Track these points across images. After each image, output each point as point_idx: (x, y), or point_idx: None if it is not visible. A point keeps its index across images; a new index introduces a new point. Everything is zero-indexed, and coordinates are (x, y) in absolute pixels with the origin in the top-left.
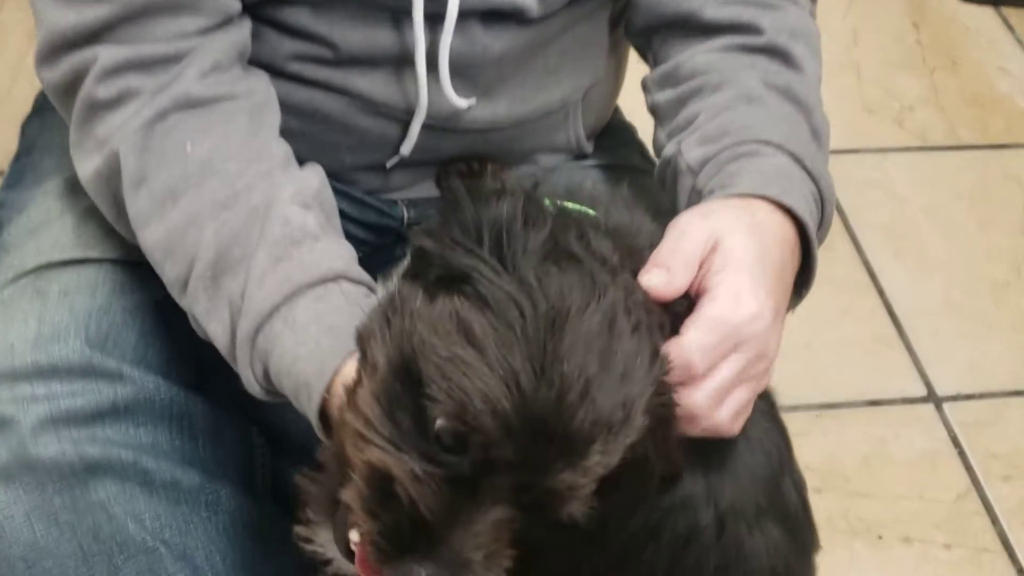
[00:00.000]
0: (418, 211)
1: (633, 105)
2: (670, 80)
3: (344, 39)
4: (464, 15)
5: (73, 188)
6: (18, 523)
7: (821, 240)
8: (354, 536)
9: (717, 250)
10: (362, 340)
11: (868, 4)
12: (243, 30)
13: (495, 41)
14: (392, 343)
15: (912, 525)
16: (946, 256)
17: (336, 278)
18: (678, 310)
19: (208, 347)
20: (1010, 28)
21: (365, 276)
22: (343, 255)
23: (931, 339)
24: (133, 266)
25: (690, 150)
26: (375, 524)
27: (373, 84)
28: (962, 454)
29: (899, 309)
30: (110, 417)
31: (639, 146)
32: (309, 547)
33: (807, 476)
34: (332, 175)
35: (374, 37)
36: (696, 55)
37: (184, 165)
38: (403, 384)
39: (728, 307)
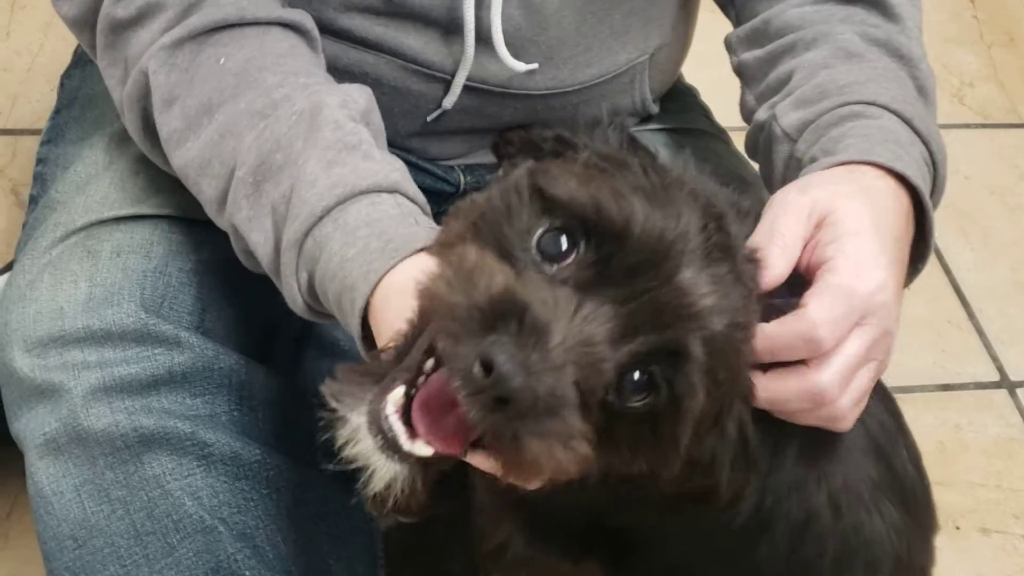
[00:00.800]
0: (475, 177)
1: (691, 67)
2: (758, 37)
3: None
4: None
5: (121, 140)
6: (67, 499)
7: (935, 206)
8: (396, 395)
9: (827, 222)
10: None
11: None
12: None
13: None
14: (497, 189)
15: (989, 515)
16: (1012, 235)
17: (392, 190)
18: (780, 306)
19: (270, 311)
20: None
21: (420, 196)
22: (400, 169)
23: (1001, 321)
24: (190, 223)
25: (785, 114)
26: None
27: (425, 43)
28: None
29: (967, 290)
30: (166, 386)
31: (703, 109)
32: (336, 434)
33: None
34: (388, 141)
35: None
36: (787, 9)
37: (219, 78)
38: (506, 209)
39: (852, 275)
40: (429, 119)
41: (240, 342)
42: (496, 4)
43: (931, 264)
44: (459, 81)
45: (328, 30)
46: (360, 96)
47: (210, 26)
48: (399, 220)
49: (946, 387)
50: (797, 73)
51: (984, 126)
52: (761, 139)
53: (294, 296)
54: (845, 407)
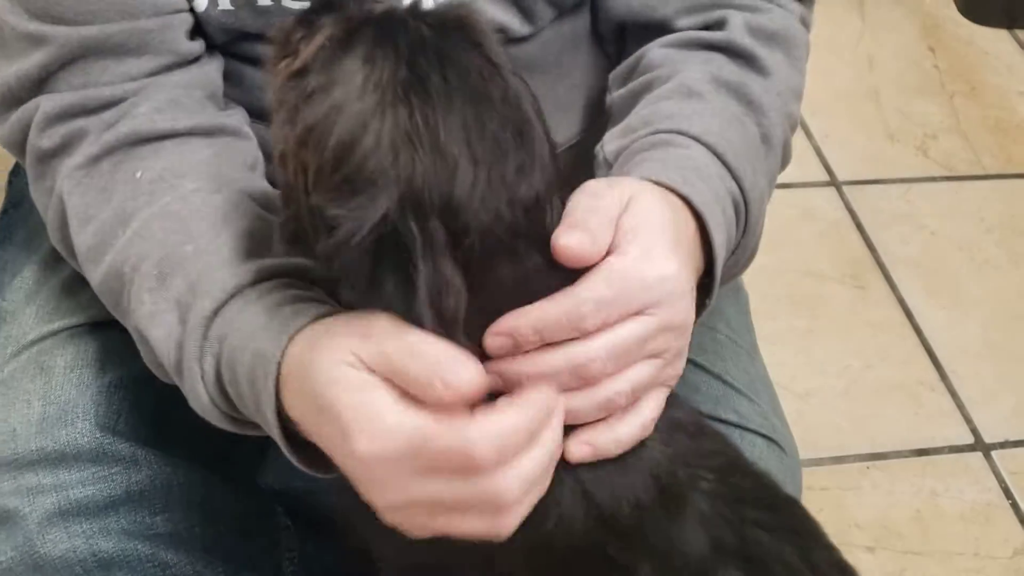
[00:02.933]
0: None
1: None
2: (628, 75)
3: None
4: None
5: None
6: None
7: (746, 255)
8: None
9: (629, 210)
10: None
11: (882, 30)
12: (209, 68)
13: None
14: None
15: None
16: (980, 292)
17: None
18: None
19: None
20: None
21: None
22: None
23: (973, 382)
24: None
25: (610, 142)
26: None
27: None
28: (1015, 506)
29: (939, 350)
30: (124, 506)
31: None
32: None
33: (859, 535)
34: None
35: None
36: (654, 48)
37: (134, 189)
38: None
39: (637, 262)
40: None
41: (201, 453)
42: None
43: (902, 326)
44: None
45: (264, 119)
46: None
47: (125, 141)
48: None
49: (921, 452)
50: (639, 106)
51: (949, 179)
52: (595, 171)
53: (197, 392)
54: (622, 394)
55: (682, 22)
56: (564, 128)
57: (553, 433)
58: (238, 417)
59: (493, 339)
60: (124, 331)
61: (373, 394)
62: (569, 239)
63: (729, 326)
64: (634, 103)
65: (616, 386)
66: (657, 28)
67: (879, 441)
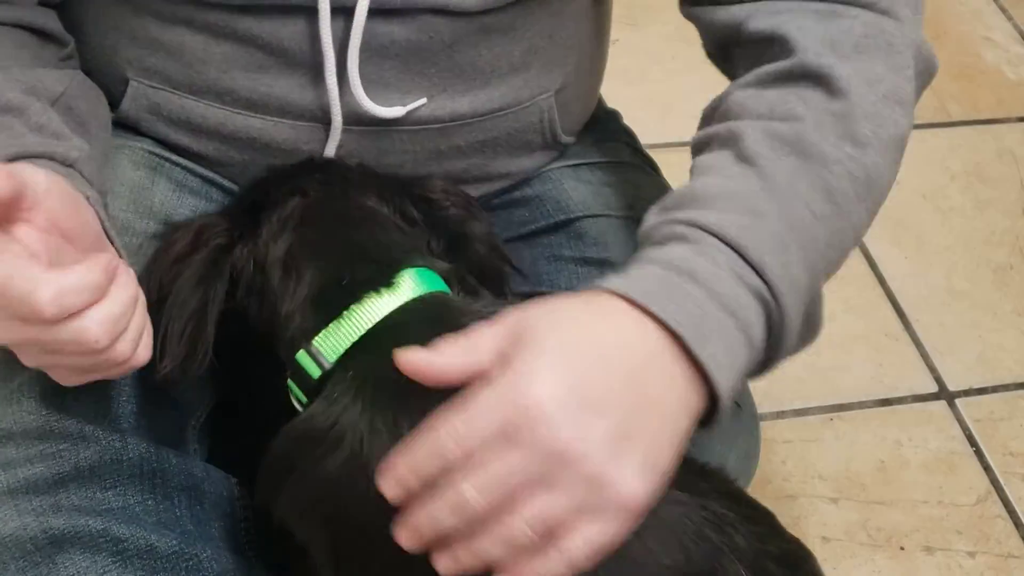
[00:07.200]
0: None
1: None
2: (710, 116)
3: (249, 31)
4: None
5: None
6: None
7: (778, 354)
8: None
9: (519, 339)
10: None
11: None
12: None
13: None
14: None
15: (933, 533)
16: (945, 240)
17: (66, 165)
18: None
19: (177, 397)
20: None
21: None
22: (84, 151)
23: (937, 330)
24: None
25: (647, 218)
26: None
27: (291, 90)
28: (979, 453)
29: (902, 300)
30: (74, 482)
31: (627, 134)
32: None
33: (822, 486)
34: None
35: (284, 28)
36: (735, 89)
37: None
38: None
39: (508, 382)
40: None
41: (151, 427)
42: (353, 46)
43: (866, 276)
44: (336, 126)
45: (212, 92)
46: (57, 84)
47: None
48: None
49: (885, 402)
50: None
51: (914, 127)
52: None
53: None
54: (516, 528)
55: (754, 24)
56: (516, 90)
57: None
58: None
59: (386, 485)
60: None
61: None
62: (409, 352)
63: None
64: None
65: (512, 522)
66: (734, 34)
67: (842, 392)
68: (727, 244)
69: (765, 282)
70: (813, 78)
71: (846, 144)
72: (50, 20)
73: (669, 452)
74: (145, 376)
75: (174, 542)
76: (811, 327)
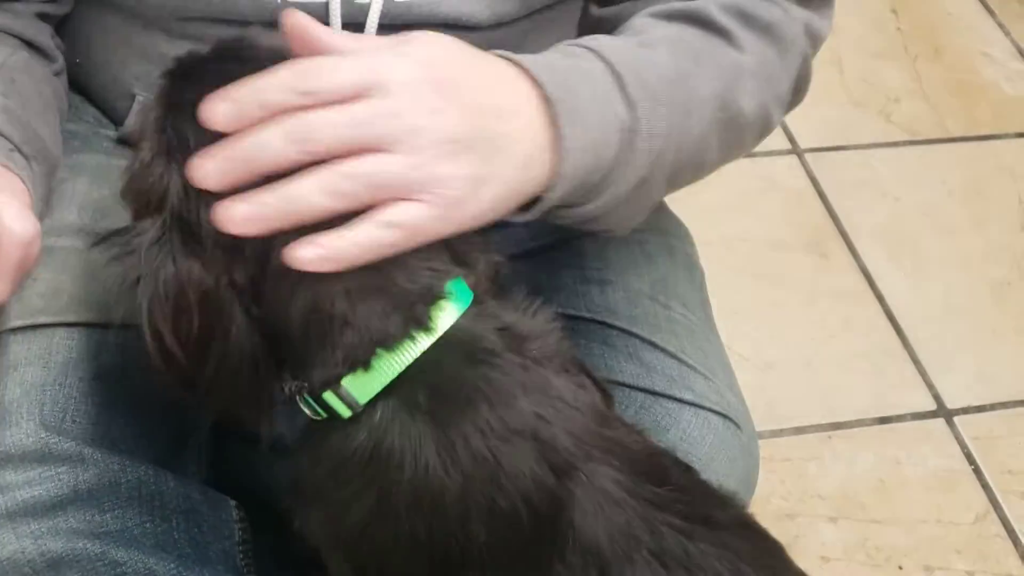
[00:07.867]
0: None
1: None
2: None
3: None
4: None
5: None
6: None
7: (593, 192)
8: None
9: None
10: None
11: None
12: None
13: None
14: None
15: (932, 552)
16: (943, 257)
17: None
18: None
19: (176, 417)
20: (990, 12)
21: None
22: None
23: (936, 348)
24: (89, 329)
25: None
26: None
27: None
28: (977, 471)
29: (901, 317)
30: (72, 505)
31: None
32: None
33: (821, 505)
34: None
35: None
36: (637, 17)
37: None
38: None
39: (376, 55)
40: None
41: (149, 449)
42: None
43: (864, 293)
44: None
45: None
46: None
47: None
48: None
49: (883, 420)
50: None
51: (912, 143)
52: None
53: None
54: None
55: None
56: None
57: None
58: None
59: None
60: (67, 329)
61: None
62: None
63: (684, 304)
64: None
65: (338, 170)
66: None
67: (841, 410)
68: (605, 63)
69: (633, 116)
70: (715, 29)
71: (733, 89)
72: (41, 34)
73: (501, 180)
74: (144, 396)
75: (172, 565)
76: (641, 202)
